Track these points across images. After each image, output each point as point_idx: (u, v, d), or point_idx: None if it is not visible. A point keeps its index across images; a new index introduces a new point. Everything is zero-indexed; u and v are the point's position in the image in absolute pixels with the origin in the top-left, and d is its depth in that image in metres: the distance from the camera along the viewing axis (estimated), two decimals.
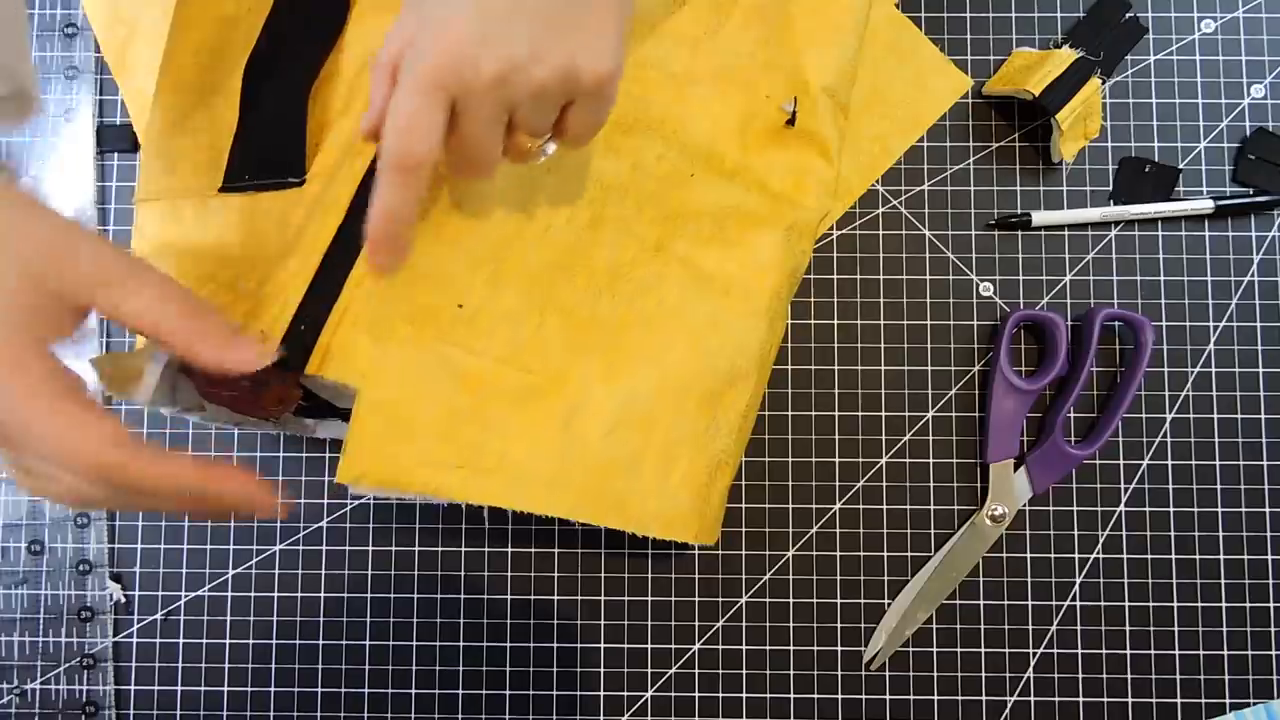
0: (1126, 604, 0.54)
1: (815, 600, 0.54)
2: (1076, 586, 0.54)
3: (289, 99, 0.47)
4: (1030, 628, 0.54)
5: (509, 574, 0.54)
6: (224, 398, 0.47)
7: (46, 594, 0.54)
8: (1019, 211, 0.56)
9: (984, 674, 0.54)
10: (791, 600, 0.54)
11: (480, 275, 0.47)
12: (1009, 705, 0.54)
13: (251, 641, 0.54)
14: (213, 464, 0.36)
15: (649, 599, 0.54)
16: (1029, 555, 0.54)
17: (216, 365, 0.38)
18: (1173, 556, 0.54)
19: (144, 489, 0.34)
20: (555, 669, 0.54)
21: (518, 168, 0.48)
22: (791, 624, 0.54)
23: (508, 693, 0.54)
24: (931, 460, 0.55)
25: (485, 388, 0.46)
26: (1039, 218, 0.56)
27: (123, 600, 0.54)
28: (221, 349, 0.38)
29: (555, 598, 0.54)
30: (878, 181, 0.57)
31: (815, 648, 0.54)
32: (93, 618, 0.54)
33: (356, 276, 0.44)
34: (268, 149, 0.47)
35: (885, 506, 0.55)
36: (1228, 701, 0.53)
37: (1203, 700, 0.53)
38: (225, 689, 0.54)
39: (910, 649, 0.54)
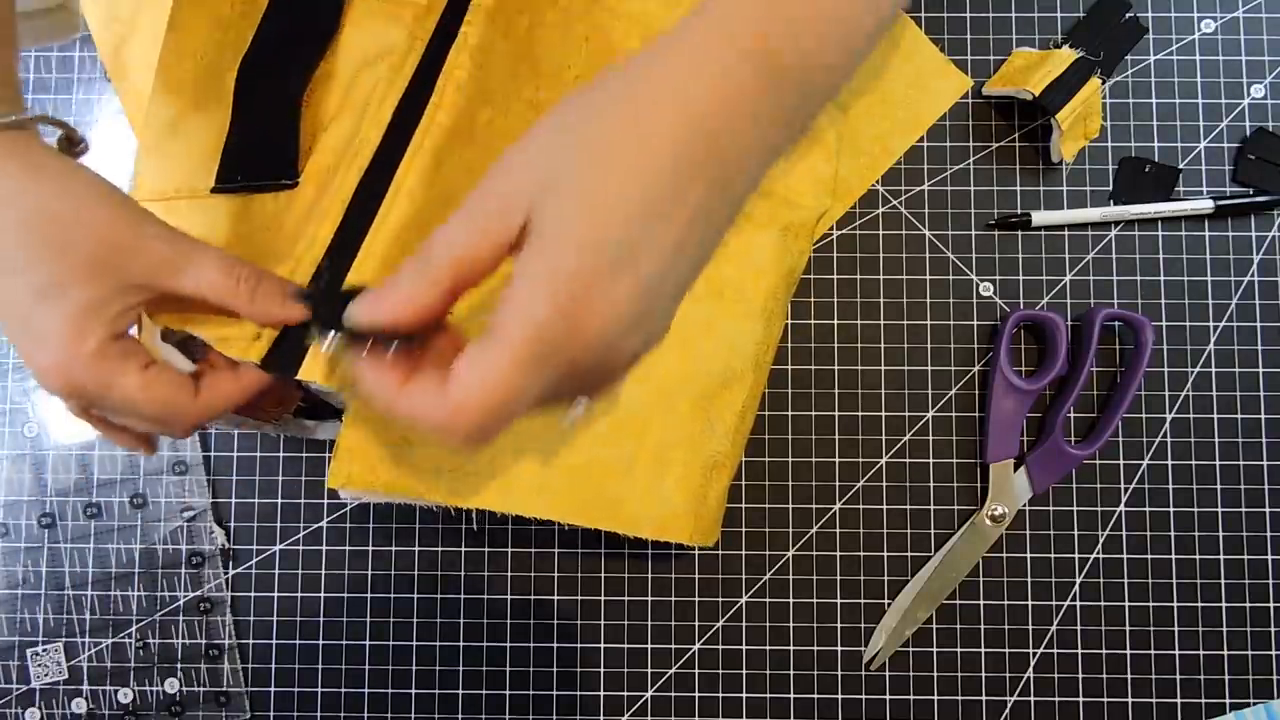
0: (1126, 604, 0.54)
1: (815, 600, 0.54)
2: (1076, 586, 0.54)
3: (282, 101, 0.47)
4: (1030, 628, 0.54)
5: (509, 574, 0.54)
6: None
7: (152, 546, 0.55)
8: (1019, 211, 0.56)
9: (984, 674, 0.54)
10: (791, 600, 0.54)
11: None
12: (1009, 705, 0.54)
13: (252, 642, 0.54)
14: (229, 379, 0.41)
15: (649, 599, 0.54)
16: (1029, 555, 0.54)
17: (276, 321, 0.41)
18: (1173, 556, 0.54)
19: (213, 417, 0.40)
20: (555, 669, 0.54)
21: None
22: (791, 624, 0.54)
23: (508, 693, 0.54)
24: (931, 460, 0.55)
25: None
26: (1039, 218, 0.56)
27: (227, 545, 0.54)
28: (277, 307, 0.40)
29: (555, 598, 0.54)
30: (878, 181, 0.57)
31: (815, 648, 0.54)
32: (203, 563, 0.54)
33: (350, 284, 0.44)
34: (260, 150, 0.47)
35: (885, 506, 0.55)
36: (1228, 701, 0.53)
37: (1203, 700, 0.53)
38: (225, 689, 0.54)
39: (910, 649, 0.54)
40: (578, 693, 0.54)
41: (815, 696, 0.54)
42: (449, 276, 0.31)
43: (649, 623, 0.54)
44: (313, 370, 0.43)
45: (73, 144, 0.42)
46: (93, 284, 0.37)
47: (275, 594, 0.54)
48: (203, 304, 0.40)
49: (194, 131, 0.49)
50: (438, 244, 0.31)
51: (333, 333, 0.34)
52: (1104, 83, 0.56)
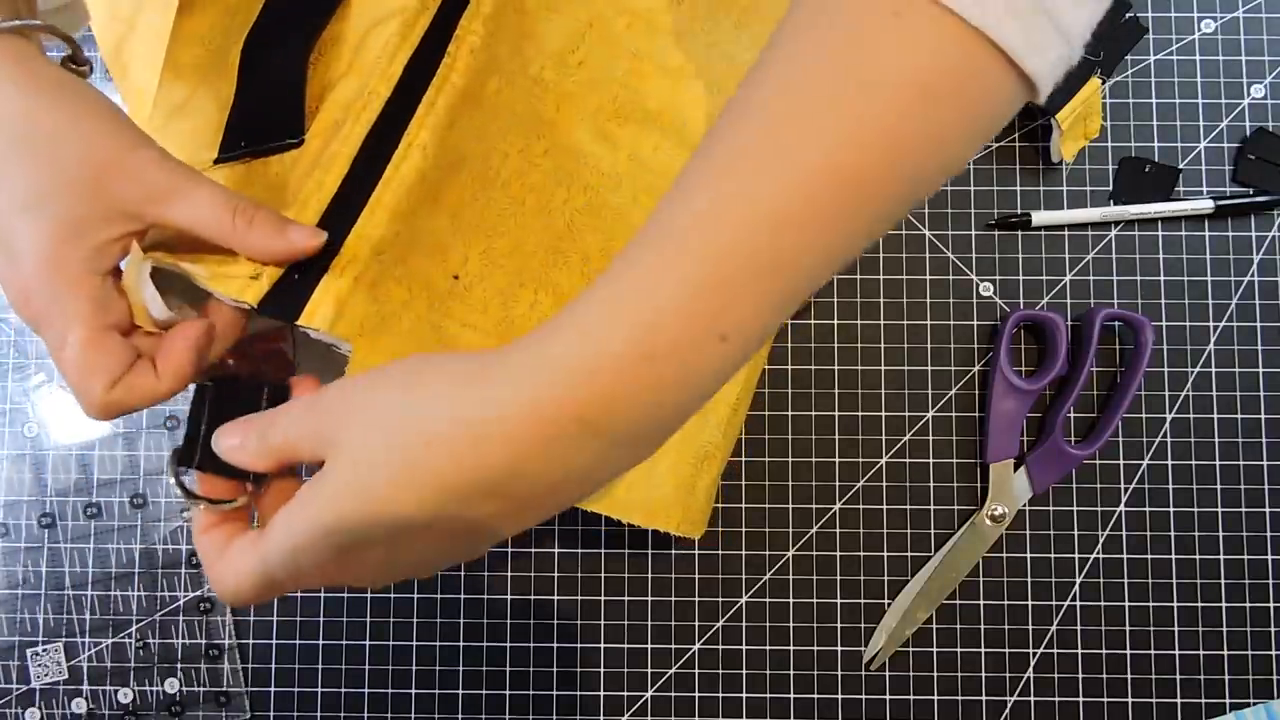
0: (1126, 604, 0.54)
1: (815, 600, 0.54)
2: (1076, 586, 0.54)
3: (288, 64, 0.46)
4: (1030, 628, 0.54)
5: (509, 574, 0.54)
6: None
7: (152, 546, 0.55)
8: (1019, 211, 0.56)
9: (984, 674, 0.54)
10: (791, 600, 0.54)
11: (475, 249, 0.46)
12: (1009, 705, 0.54)
13: (252, 642, 0.54)
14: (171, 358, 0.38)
15: (649, 599, 0.54)
16: (1029, 555, 0.54)
17: (275, 254, 0.39)
18: (1173, 556, 0.54)
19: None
20: (555, 669, 0.54)
21: (517, 147, 0.48)
22: (791, 624, 0.54)
23: (508, 693, 0.54)
24: (931, 460, 0.55)
25: None
26: (1039, 218, 0.56)
27: None
28: (274, 237, 0.38)
29: (555, 598, 0.54)
30: None
31: (815, 648, 0.54)
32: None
33: (359, 232, 0.43)
34: (265, 114, 0.46)
35: (885, 506, 0.55)
36: (1228, 701, 0.53)
37: (1203, 700, 0.53)
38: (225, 689, 0.54)
39: (910, 649, 0.54)
40: (578, 693, 0.54)
41: (815, 696, 0.54)
42: (278, 457, 0.33)
43: (649, 623, 0.54)
44: (315, 317, 0.41)
45: (77, 63, 0.40)
46: (78, 202, 0.35)
47: None
48: (196, 240, 0.39)
49: (200, 111, 0.48)
50: (275, 429, 0.33)
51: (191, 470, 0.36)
52: (1104, 83, 0.56)
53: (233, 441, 0.34)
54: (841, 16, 0.30)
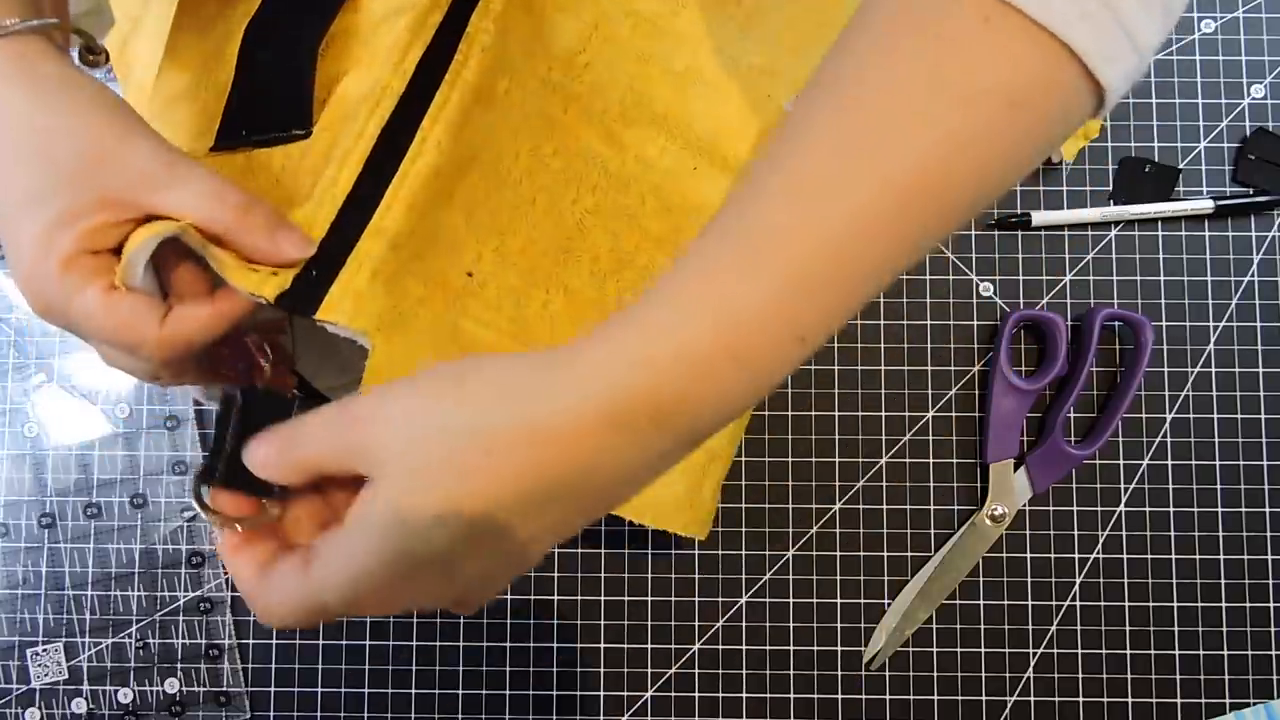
0: (1126, 604, 0.54)
1: (815, 600, 0.54)
2: (1076, 586, 0.54)
3: (294, 54, 0.46)
4: (1030, 628, 0.54)
5: None
6: (222, 377, 0.46)
7: (152, 546, 0.55)
8: (1019, 211, 0.56)
9: (984, 674, 0.54)
10: (791, 600, 0.54)
11: (488, 246, 0.46)
12: (1009, 705, 0.54)
13: (252, 642, 0.54)
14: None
15: (649, 599, 0.54)
16: (1029, 555, 0.54)
17: (266, 256, 0.39)
18: (1173, 556, 0.54)
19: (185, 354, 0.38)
20: (555, 669, 0.54)
21: (527, 147, 0.48)
22: (791, 624, 0.54)
23: (508, 693, 0.54)
24: (931, 460, 0.55)
25: None
26: (1039, 218, 0.56)
27: None
28: (263, 239, 0.38)
29: (555, 598, 0.54)
30: None
31: (815, 648, 0.54)
32: (203, 563, 0.54)
33: (376, 226, 0.43)
34: (268, 103, 0.46)
35: (885, 506, 0.55)
36: (1228, 701, 0.53)
37: (1203, 700, 0.53)
38: (225, 689, 0.54)
39: (910, 649, 0.54)
40: (578, 693, 0.54)
41: (815, 696, 0.54)
42: (307, 470, 0.33)
43: (649, 623, 0.54)
44: (334, 311, 0.41)
45: (92, 53, 0.41)
46: (71, 195, 0.36)
47: None
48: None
49: (198, 99, 0.48)
50: (305, 440, 0.33)
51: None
52: None
53: (262, 453, 0.34)
54: (926, 22, 0.29)
